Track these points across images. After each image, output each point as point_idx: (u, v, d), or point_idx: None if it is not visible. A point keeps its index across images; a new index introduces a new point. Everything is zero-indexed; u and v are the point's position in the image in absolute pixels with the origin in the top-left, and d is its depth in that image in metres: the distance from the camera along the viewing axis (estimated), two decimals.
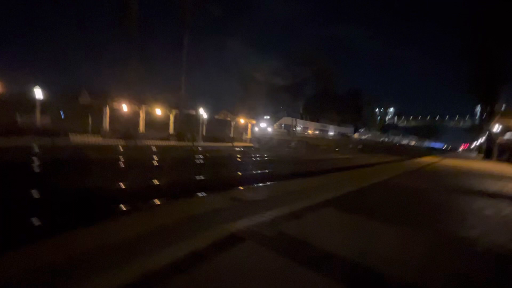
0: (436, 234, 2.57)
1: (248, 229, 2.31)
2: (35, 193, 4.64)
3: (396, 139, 61.62)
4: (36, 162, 8.80)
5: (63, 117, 22.28)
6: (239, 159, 15.09)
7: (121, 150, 15.97)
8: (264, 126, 35.97)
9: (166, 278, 1.48)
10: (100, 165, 9.32)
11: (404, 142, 64.33)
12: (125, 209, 4.08)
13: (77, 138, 18.70)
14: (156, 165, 10.32)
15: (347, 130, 47.02)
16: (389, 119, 78.33)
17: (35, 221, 3.36)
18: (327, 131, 45.31)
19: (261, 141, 29.09)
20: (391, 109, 78.71)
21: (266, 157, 17.41)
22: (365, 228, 2.64)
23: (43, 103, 20.07)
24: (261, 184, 5.93)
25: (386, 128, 69.30)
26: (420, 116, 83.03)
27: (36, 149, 12.31)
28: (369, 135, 49.93)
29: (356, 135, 48.83)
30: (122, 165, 9.47)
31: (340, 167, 11.60)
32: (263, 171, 10.34)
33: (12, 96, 19.81)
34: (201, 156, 14.89)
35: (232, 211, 2.88)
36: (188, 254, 1.74)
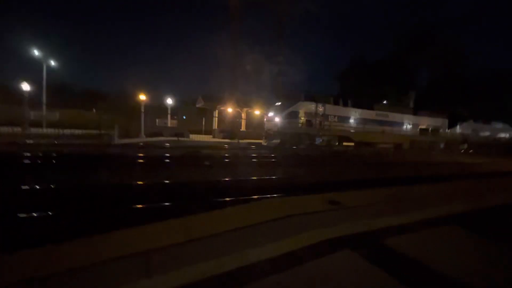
0: None
1: (346, 237, 2.15)
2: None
3: None
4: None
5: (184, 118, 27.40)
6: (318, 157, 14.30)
7: (226, 147, 18.07)
8: (271, 115, 19.43)
9: (262, 273, 1.56)
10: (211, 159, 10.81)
11: None
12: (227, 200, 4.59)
13: (194, 137, 22.53)
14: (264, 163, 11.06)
15: (436, 122, 27.03)
16: None
17: None
18: (392, 123, 24.08)
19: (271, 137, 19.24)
20: None
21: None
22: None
23: (172, 109, 25.40)
24: (359, 189, 5.42)
25: None
26: None
27: (168, 146, 15.52)
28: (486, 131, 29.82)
29: (448, 130, 28.24)
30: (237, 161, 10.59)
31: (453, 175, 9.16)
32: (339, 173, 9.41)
33: (152, 104, 25.86)
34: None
35: (329, 215, 2.75)
36: (285, 254, 1.77)
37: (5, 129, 12.17)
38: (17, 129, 14.85)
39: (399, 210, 3.00)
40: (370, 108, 21.62)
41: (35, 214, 3.82)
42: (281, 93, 22.42)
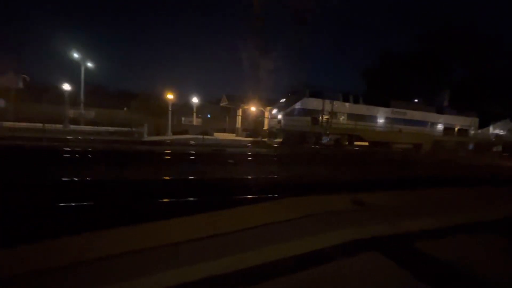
0: None
1: (373, 238, 2.09)
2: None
3: None
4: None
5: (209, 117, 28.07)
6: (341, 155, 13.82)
7: (249, 145, 18.18)
8: (274, 112, 18.84)
9: (287, 270, 1.57)
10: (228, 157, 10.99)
11: None
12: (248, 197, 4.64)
13: (218, 135, 22.98)
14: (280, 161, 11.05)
15: (465, 121, 23.91)
16: None
17: None
18: (411, 122, 21.59)
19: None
20: None
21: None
22: None
23: (197, 107, 26.11)
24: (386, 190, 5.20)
25: None
26: None
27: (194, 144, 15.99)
28: None
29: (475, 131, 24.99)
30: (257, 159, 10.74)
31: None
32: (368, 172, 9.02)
33: (179, 103, 26.76)
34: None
35: (355, 216, 2.68)
36: (310, 252, 1.77)
37: (49, 126, 13.32)
38: (59, 126, 16.17)
39: (429, 214, 2.85)
40: (386, 105, 19.85)
41: (73, 204, 4.16)
42: (287, 90, 21.34)
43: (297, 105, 17.02)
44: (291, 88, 20.89)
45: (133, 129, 15.44)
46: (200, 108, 27.58)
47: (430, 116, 21.85)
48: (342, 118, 18.14)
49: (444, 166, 12.06)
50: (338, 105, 17.84)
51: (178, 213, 2.66)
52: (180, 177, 6.41)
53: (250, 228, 2.13)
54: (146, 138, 15.35)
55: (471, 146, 23.23)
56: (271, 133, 17.94)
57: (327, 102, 17.30)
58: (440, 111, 22.71)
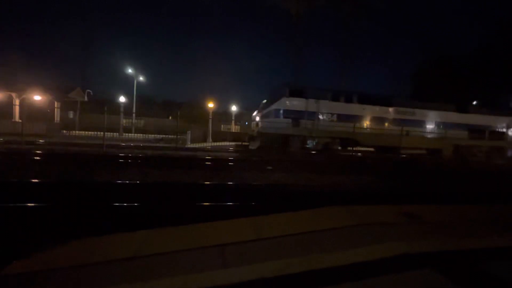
0: None
1: (427, 254, 1.93)
2: None
3: None
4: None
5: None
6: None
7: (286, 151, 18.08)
8: (254, 115, 17.68)
9: (332, 280, 1.54)
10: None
11: None
12: None
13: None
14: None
15: (498, 121, 19.61)
16: None
17: None
18: (422, 123, 18.75)
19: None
20: None
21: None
22: None
23: (236, 115, 27.04)
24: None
25: None
26: None
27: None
28: None
29: None
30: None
31: None
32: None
33: (218, 111, 27.93)
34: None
35: (406, 229, 2.50)
36: (357, 263, 1.71)
37: (108, 134, 14.98)
38: (116, 134, 18.05)
39: (489, 230, 2.53)
40: (388, 104, 17.01)
41: (125, 204, 4.60)
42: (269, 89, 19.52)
43: (276, 106, 15.27)
44: (275, 87, 18.53)
45: (178, 136, 16.48)
46: (239, 116, 28.49)
47: (449, 116, 18.19)
48: (331, 120, 15.77)
49: (477, 177, 10.31)
50: (325, 105, 15.67)
51: (220, 216, 2.79)
52: (221, 181, 6.66)
53: (294, 235, 2.14)
54: (189, 144, 16.27)
55: (511, 152, 18.69)
56: (251, 138, 16.22)
57: (311, 101, 15.29)
58: (463, 110, 18.63)
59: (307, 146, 15.30)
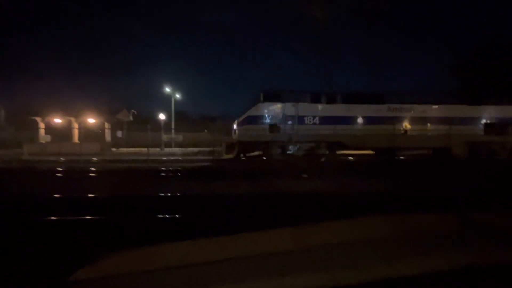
0: None
1: (499, 267, 1.70)
2: None
3: None
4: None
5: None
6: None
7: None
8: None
9: None
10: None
11: None
12: None
13: None
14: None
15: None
16: None
17: None
18: (426, 119, 16.18)
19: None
20: None
21: None
22: None
23: None
24: None
25: None
26: None
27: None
28: None
29: None
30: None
31: None
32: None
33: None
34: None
35: (462, 239, 2.25)
36: (416, 276, 1.58)
37: (151, 150, 16.17)
38: (157, 149, 19.43)
39: None
40: (379, 102, 15.41)
41: (167, 216, 4.86)
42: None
43: (250, 112, 14.73)
44: (251, 92, 17.89)
45: (213, 149, 17.09)
46: None
47: (459, 110, 15.80)
48: (314, 123, 14.70)
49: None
50: (305, 107, 14.69)
51: (260, 226, 2.79)
52: (256, 190, 6.72)
53: (337, 245, 2.06)
54: (225, 156, 16.78)
55: None
56: (228, 146, 15.52)
57: (289, 105, 14.47)
58: (476, 101, 16.07)
59: (289, 152, 14.60)
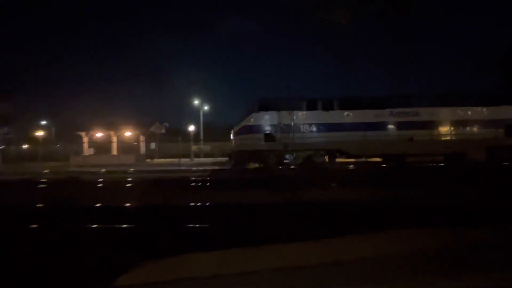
0: None
1: None
2: None
3: None
4: None
5: None
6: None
7: (351, 167, 17.03)
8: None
9: None
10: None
11: None
12: None
13: None
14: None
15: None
16: None
17: None
18: (434, 123, 14.74)
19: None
20: None
21: None
22: None
23: None
24: None
25: None
26: None
27: None
28: None
29: None
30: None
31: None
32: None
33: None
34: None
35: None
36: None
37: (183, 160, 16.92)
38: (187, 160, 20.25)
39: None
40: (380, 106, 14.81)
41: (196, 225, 5.00)
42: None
43: (246, 122, 14.91)
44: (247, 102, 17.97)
45: None
46: None
47: (474, 112, 14.99)
48: (310, 131, 14.60)
49: None
50: (300, 115, 14.65)
51: (289, 238, 2.79)
52: (281, 199, 6.65)
53: (370, 259, 2.01)
54: (251, 165, 17.09)
55: None
56: (229, 155, 16.02)
57: (284, 113, 14.40)
58: (494, 101, 14.97)
59: (286, 161, 14.49)
